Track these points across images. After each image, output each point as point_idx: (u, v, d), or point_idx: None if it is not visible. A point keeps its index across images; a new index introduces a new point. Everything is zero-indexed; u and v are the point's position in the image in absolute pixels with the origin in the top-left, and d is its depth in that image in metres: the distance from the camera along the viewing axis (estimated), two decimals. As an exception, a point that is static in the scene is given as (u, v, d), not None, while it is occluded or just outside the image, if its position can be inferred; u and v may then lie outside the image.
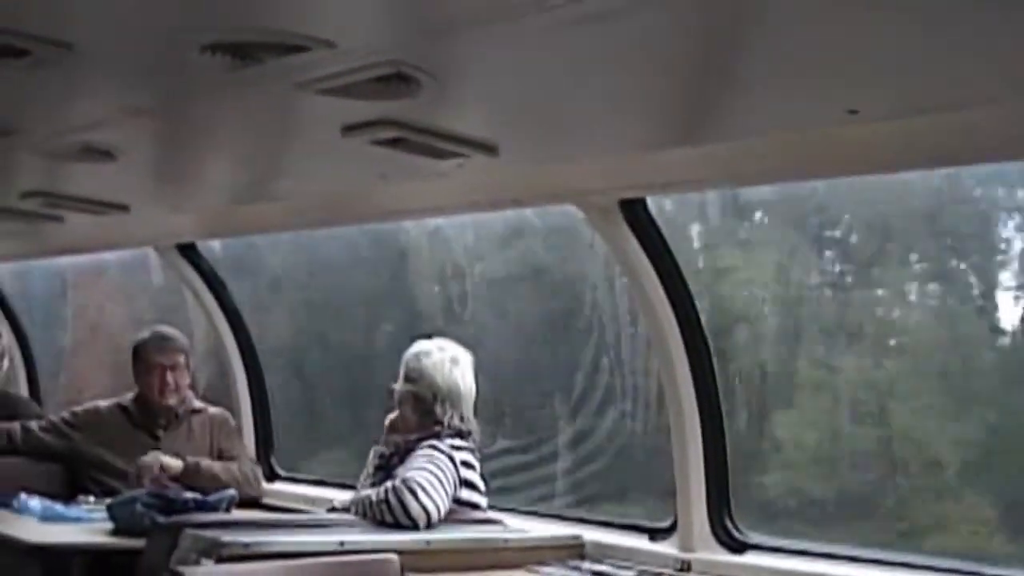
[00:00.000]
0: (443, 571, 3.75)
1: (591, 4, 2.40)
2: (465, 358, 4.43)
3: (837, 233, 4.45)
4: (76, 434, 5.34)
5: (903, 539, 4.18)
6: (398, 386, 4.42)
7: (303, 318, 6.54)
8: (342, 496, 4.62)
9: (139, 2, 2.54)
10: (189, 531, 3.59)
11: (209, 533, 3.55)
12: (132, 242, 5.98)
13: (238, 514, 4.59)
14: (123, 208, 5.04)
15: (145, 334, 5.40)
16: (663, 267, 4.05)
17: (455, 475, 4.19)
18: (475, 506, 4.28)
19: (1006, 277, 4.15)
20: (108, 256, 6.93)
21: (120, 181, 4.43)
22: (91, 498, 4.99)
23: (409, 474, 4.08)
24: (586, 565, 4.08)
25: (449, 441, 4.27)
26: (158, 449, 5.19)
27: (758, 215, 4.65)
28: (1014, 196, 3.99)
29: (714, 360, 4.11)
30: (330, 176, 4.24)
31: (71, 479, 5.26)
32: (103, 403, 5.48)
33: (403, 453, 4.29)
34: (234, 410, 5.74)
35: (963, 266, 4.27)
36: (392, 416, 4.55)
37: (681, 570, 4.04)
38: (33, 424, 5.42)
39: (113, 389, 5.83)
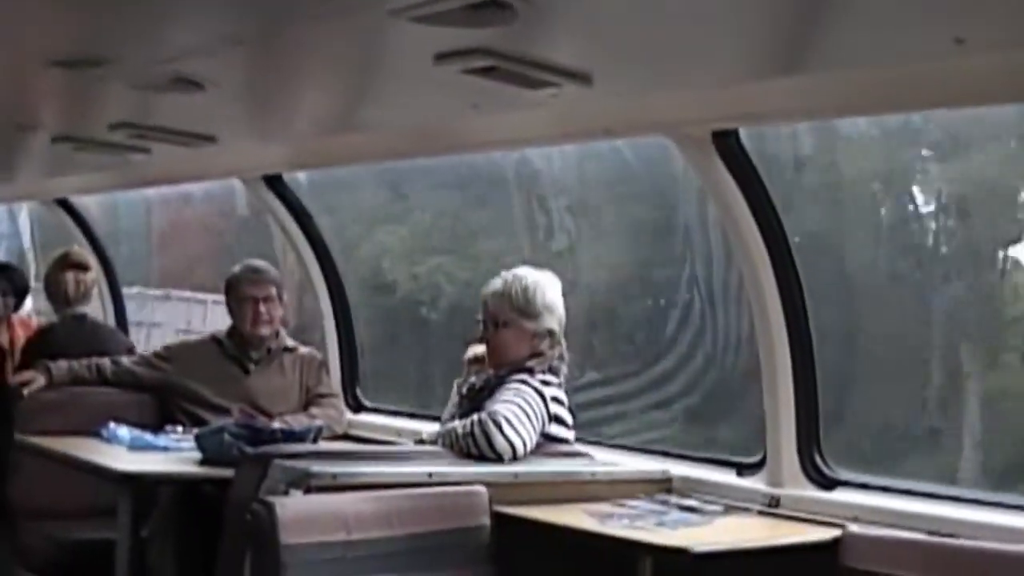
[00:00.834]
0: (531, 503, 3.75)
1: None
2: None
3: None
4: (168, 366, 5.36)
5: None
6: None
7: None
8: (429, 428, 4.64)
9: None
10: (278, 462, 3.60)
11: (298, 464, 3.57)
12: (218, 173, 6.01)
13: (325, 445, 4.61)
14: (210, 139, 5.05)
15: (237, 268, 5.41)
16: (755, 200, 4.00)
17: (543, 410, 4.16)
18: (564, 440, 4.26)
19: None
20: (193, 188, 6.97)
21: (208, 112, 4.42)
22: (179, 428, 5.03)
23: (496, 407, 4.06)
24: (673, 499, 4.06)
25: (540, 377, 4.25)
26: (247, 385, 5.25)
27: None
28: None
29: (806, 295, 4.06)
30: (421, 106, 4.20)
31: (161, 410, 5.28)
32: (195, 337, 5.50)
33: (493, 387, 4.25)
34: (318, 344, 5.77)
35: None
36: (476, 349, 4.55)
37: (769, 505, 4.02)
38: (124, 359, 5.46)
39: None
